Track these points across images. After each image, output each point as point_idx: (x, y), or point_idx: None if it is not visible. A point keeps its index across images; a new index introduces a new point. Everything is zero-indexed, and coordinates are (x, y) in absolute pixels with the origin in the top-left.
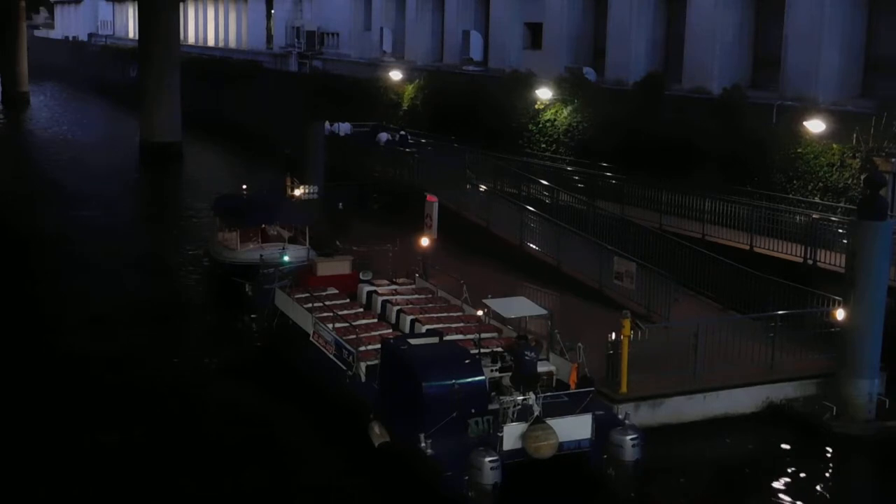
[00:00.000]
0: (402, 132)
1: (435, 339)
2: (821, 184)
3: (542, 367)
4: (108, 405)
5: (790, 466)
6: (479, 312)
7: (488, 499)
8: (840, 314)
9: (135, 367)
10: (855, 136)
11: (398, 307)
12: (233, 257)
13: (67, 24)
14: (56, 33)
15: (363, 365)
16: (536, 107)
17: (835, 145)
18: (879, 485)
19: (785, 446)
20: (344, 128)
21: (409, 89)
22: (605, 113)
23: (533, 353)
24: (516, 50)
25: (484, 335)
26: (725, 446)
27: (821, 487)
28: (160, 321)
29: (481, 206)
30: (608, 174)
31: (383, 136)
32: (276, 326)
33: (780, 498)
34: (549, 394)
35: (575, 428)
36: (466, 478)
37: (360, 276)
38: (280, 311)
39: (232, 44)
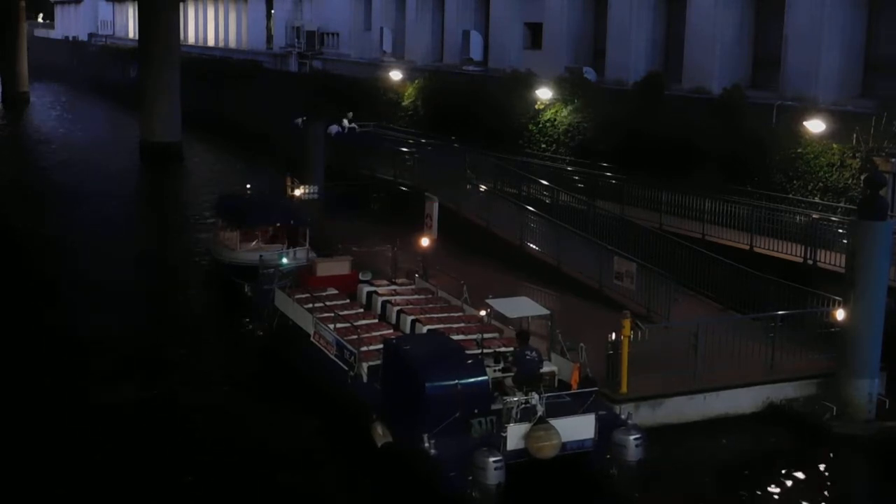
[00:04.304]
0: (352, 125)
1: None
2: (821, 184)
3: (544, 368)
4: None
5: (790, 466)
6: (482, 312)
7: (492, 499)
8: (840, 314)
9: (136, 367)
10: (855, 136)
11: (398, 307)
12: (233, 257)
13: (67, 24)
14: (56, 33)
15: (365, 365)
16: (536, 107)
17: (835, 145)
18: (879, 485)
19: (785, 446)
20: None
21: (409, 89)
22: (605, 113)
23: (534, 353)
24: (516, 50)
25: (485, 335)
26: (725, 446)
27: (821, 487)
28: (158, 322)
29: (481, 206)
30: (608, 174)
31: (333, 129)
32: (276, 327)
33: (780, 498)
34: (551, 394)
35: (578, 428)
36: (470, 478)
37: (360, 277)
38: (280, 311)
39: (232, 44)
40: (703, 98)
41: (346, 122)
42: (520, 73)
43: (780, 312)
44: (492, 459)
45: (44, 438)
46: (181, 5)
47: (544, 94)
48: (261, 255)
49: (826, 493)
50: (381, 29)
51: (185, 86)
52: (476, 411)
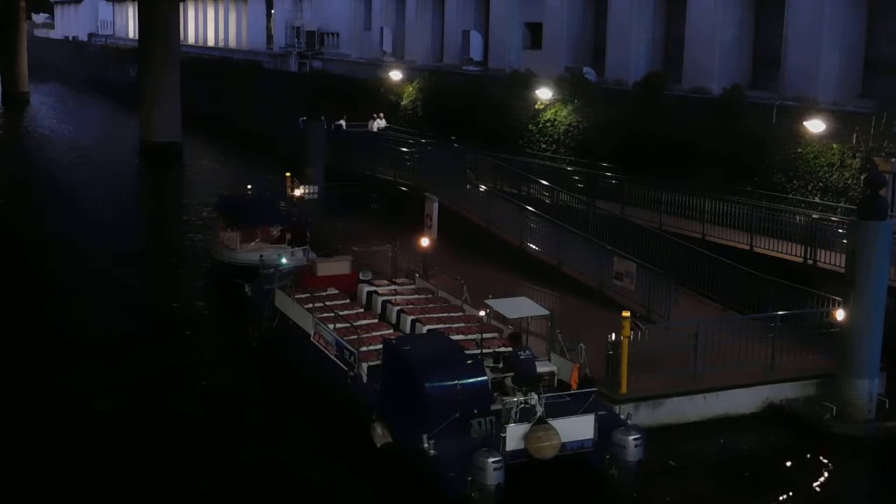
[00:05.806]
0: (339, 122)
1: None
2: (821, 184)
3: (543, 368)
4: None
5: (790, 467)
6: (482, 313)
7: (491, 499)
8: (840, 314)
9: (139, 369)
10: (855, 136)
11: (398, 307)
12: (233, 258)
13: (67, 24)
14: (56, 33)
15: (365, 365)
16: (536, 107)
17: (835, 145)
18: (879, 485)
19: (785, 447)
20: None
21: (409, 89)
22: (605, 113)
23: (528, 353)
24: (516, 50)
25: (485, 335)
26: (725, 447)
27: (821, 487)
28: (160, 324)
29: (481, 206)
30: (608, 174)
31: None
32: (276, 327)
33: (779, 498)
34: (551, 394)
35: (577, 428)
36: (469, 478)
37: (360, 277)
38: (280, 311)
39: (232, 44)
40: (703, 98)
41: (377, 122)
42: (520, 73)
43: (780, 312)
44: (491, 460)
45: (43, 442)
46: (181, 5)
47: (544, 94)
48: (261, 256)
49: (826, 493)
50: (381, 29)
51: (185, 86)
52: (476, 411)
